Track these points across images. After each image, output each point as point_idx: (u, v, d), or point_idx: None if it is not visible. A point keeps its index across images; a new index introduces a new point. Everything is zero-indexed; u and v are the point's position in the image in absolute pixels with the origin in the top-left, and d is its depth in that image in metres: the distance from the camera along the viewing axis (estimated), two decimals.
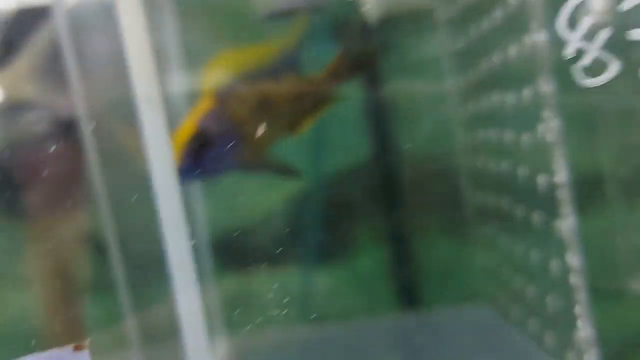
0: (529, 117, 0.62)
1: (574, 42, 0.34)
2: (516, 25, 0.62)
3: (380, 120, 1.02)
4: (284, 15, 0.96)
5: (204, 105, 0.75)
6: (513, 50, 0.65)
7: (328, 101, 0.84)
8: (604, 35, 0.34)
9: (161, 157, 0.51)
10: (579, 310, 0.57)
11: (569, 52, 0.34)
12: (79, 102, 0.55)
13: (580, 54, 0.34)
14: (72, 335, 1.03)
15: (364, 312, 1.04)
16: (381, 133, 1.03)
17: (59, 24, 0.53)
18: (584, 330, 0.57)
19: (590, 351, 0.57)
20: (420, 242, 1.03)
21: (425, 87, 1.00)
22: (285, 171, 0.83)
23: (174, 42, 0.95)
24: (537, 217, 0.65)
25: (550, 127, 0.57)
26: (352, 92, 0.94)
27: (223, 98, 0.75)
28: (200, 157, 0.72)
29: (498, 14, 0.69)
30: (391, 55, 0.89)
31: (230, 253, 1.04)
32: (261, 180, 0.93)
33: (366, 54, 0.86)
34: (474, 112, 0.85)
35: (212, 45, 1.01)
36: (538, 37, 0.56)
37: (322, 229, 1.04)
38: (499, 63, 0.71)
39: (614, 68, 0.34)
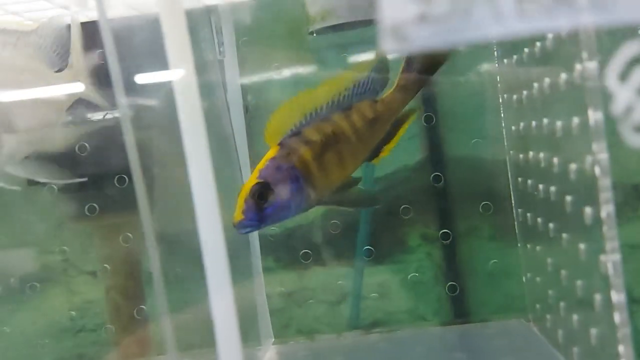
0: (577, 146, 0.58)
1: (623, 96, 0.31)
2: (567, 51, 0.59)
3: (433, 125, 1.00)
4: (333, 31, 0.95)
5: (269, 155, 0.73)
6: (563, 77, 0.61)
7: (403, 120, 0.80)
8: None
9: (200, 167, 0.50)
10: (621, 349, 0.53)
11: (618, 108, 0.31)
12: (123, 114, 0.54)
13: (630, 110, 0.31)
14: (134, 328, 1.04)
15: (411, 314, 1.02)
16: (433, 138, 1.00)
17: (106, 38, 0.52)
18: None
19: None
20: (469, 246, 1.01)
21: (475, 98, 0.97)
22: (363, 202, 0.80)
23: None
24: (582, 248, 0.61)
25: (598, 158, 0.53)
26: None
27: (287, 144, 0.72)
28: (261, 210, 0.70)
29: (549, 40, 0.66)
30: (450, 59, 0.84)
31: (285, 252, 1.04)
32: None
33: (428, 61, 0.79)
34: (524, 132, 0.82)
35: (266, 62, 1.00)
36: (589, 65, 0.52)
37: (373, 229, 1.02)
38: (548, 87, 0.68)
39: None
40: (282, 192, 0.70)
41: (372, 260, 1.02)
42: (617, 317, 0.54)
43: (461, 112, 0.99)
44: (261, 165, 0.72)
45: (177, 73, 0.50)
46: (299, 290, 1.05)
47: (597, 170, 0.53)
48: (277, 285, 1.04)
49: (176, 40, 0.51)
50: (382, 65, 0.78)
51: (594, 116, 0.53)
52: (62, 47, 0.84)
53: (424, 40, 0.30)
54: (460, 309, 1.00)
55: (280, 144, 0.72)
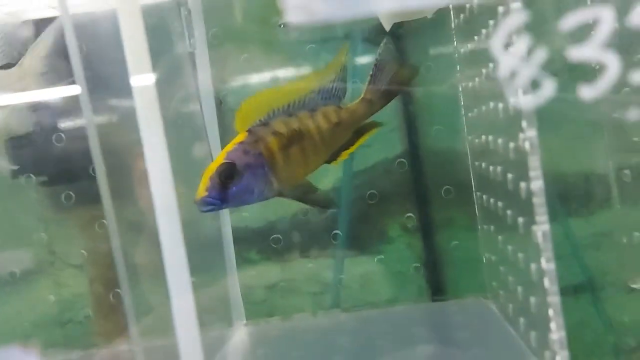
0: (513, 126, 0.62)
1: (507, 62, 0.34)
2: None
3: (410, 118, 1.03)
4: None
5: (237, 139, 0.76)
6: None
7: (366, 130, 0.83)
8: (539, 54, 0.35)
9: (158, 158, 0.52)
10: (551, 313, 0.57)
11: (503, 72, 0.34)
12: (86, 110, 0.57)
13: (514, 74, 0.34)
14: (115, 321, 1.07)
15: (391, 301, 1.05)
16: (411, 130, 1.04)
17: (67, 33, 0.55)
18: (557, 333, 0.57)
19: (561, 353, 0.57)
20: (444, 235, 1.04)
21: (441, 90, 1.00)
22: (321, 202, 0.82)
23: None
24: (520, 222, 0.65)
25: (528, 136, 0.57)
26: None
27: (255, 132, 0.75)
28: (225, 189, 0.72)
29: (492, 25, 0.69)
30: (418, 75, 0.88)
31: (267, 243, 1.06)
32: None
33: (397, 76, 0.83)
34: (478, 117, 0.85)
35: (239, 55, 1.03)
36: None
37: (353, 221, 1.05)
38: (492, 71, 0.71)
39: (549, 87, 0.34)
40: (248, 175, 0.73)
41: (353, 250, 1.05)
42: (546, 283, 0.57)
43: (426, 100, 1.03)
44: (229, 147, 0.75)
45: (135, 71, 0.52)
46: (281, 281, 1.08)
47: (527, 146, 0.57)
48: (260, 277, 1.07)
49: (133, 39, 0.52)
50: (343, 74, 0.81)
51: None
52: (8, 45, 0.85)
53: (329, 11, 0.33)
54: (439, 296, 1.03)
55: (249, 131, 0.75)
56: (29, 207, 1.07)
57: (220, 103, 1.02)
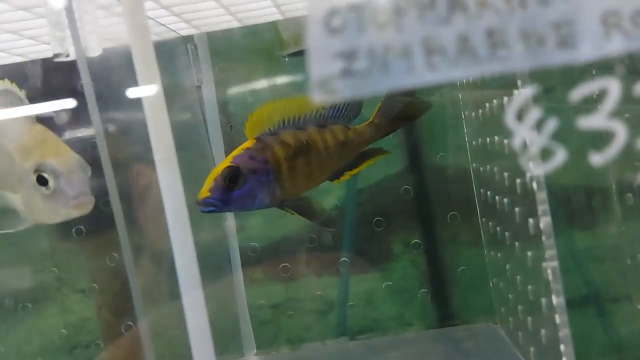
0: (519, 163, 0.64)
1: (521, 133, 0.36)
2: (507, 77, 0.64)
3: (412, 133, 1.05)
4: (304, 55, 0.99)
5: (244, 145, 0.77)
6: (505, 100, 0.66)
7: (371, 155, 0.84)
8: (551, 125, 0.37)
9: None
10: (563, 348, 0.58)
11: (517, 143, 0.36)
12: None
13: (526, 144, 0.36)
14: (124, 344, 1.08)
15: (397, 320, 1.06)
16: (412, 146, 1.05)
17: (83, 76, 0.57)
18: None
19: None
20: (450, 252, 1.05)
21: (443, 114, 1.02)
22: (321, 220, 0.82)
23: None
24: (529, 255, 0.67)
25: (535, 175, 0.59)
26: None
27: (263, 139, 0.77)
28: (227, 191, 0.73)
29: None
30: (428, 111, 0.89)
31: (272, 261, 1.08)
32: None
33: (409, 107, 0.85)
34: (482, 146, 0.87)
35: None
36: (523, 91, 0.57)
37: (356, 239, 1.06)
38: (496, 107, 0.73)
39: (560, 156, 0.36)
40: (252, 180, 0.74)
41: (358, 268, 1.06)
42: (557, 319, 0.59)
43: (430, 126, 1.04)
44: (236, 152, 0.76)
45: (148, 101, 0.53)
46: (286, 301, 1.09)
47: (534, 185, 0.59)
48: (265, 296, 1.08)
49: (146, 72, 0.54)
50: (356, 102, 0.83)
51: (530, 136, 0.58)
52: None
53: (349, 91, 0.35)
54: (444, 314, 1.05)
55: (257, 139, 0.77)
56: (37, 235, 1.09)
57: (230, 129, 1.04)
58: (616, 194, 0.91)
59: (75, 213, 0.67)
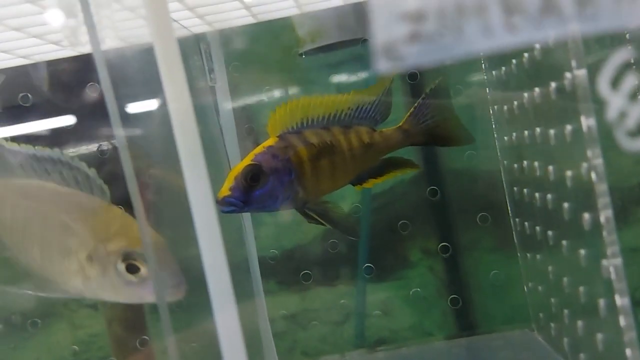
0: (572, 154, 0.59)
1: (616, 103, 0.31)
2: (555, 60, 0.59)
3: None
4: (322, 51, 0.95)
5: (266, 143, 0.74)
6: (553, 86, 0.62)
7: (399, 165, 0.80)
8: None
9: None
10: (629, 353, 0.54)
11: (611, 114, 0.31)
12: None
13: (623, 116, 0.31)
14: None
15: (416, 329, 1.02)
16: (429, 152, 1.01)
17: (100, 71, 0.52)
18: None
19: None
20: (471, 259, 1.01)
21: (470, 111, 0.97)
22: (343, 227, 0.77)
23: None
24: (583, 254, 0.62)
25: (594, 164, 0.54)
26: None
27: (286, 138, 0.73)
28: (249, 191, 0.70)
29: (537, 50, 0.66)
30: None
31: (286, 272, 1.04)
32: None
33: (447, 130, 0.81)
34: (517, 142, 0.82)
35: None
36: (578, 73, 0.53)
37: (373, 246, 1.02)
38: (539, 96, 0.68)
39: None
40: (274, 179, 0.71)
41: (374, 277, 1.02)
42: (622, 321, 0.54)
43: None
44: (258, 150, 0.73)
45: (174, 101, 0.50)
46: (302, 311, 1.05)
47: (593, 176, 0.54)
48: (280, 307, 1.04)
49: (171, 69, 0.51)
50: (387, 99, 0.79)
51: (587, 122, 0.54)
52: None
53: (417, 58, 0.31)
54: (464, 322, 1.00)
55: (280, 137, 0.73)
56: None
57: (251, 131, 1.00)
58: None
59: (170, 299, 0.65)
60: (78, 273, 0.68)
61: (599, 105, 0.43)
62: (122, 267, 0.65)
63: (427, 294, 1.03)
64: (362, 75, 0.99)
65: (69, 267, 0.68)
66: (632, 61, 0.31)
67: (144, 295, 0.66)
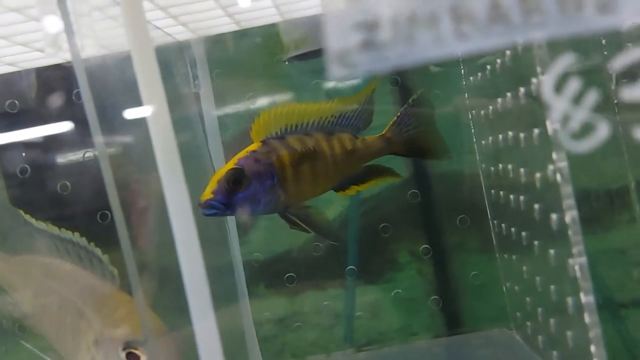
0: (539, 156, 0.61)
1: (559, 107, 0.33)
2: (523, 66, 0.61)
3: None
4: (305, 58, 0.97)
5: (250, 148, 0.75)
6: (521, 91, 0.63)
7: (381, 174, 0.81)
8: (591, 97, 0.33)
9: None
10: (593, 349, 0.55)
11: (555, 118, 0.33)
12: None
13: (566, 119, 0.33)
14: None
15: (404, 330, 1.03)
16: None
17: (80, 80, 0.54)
18: None
19: None
20: (456, 260, 1.02)
21: (451, 116, 0.99)
22: (325, 232, 0.78)
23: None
24: (552, 253, 0.63)
25: (559, 167, 0.55)
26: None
27: (269, 143, 0.75)
28: (231, 194, 0.71)
29: (508, 56, 0.68)
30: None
31: (274, 275, 1.04)
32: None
33: (427, 142, 0.82)
34: (493, 145, 0.84)
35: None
36: (543, 78, 0.54)
37: (361, 249, 1.03)
38: (510, 101, 0.70)
39: (603, 131, 0.32)
40: (256, 184, 0.72)
41: (363, 279, 1.03)
42: (587, 318, 0.55)
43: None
44: (241, 154, 0.74)
45: (151, 110, 0.51)
46: (291, 314, 1.06)
47: (558, 177, 0.55)
48: (267, 311, 1.05)
49: (148, 78, 0.52)
50: (370, 107, 0.80)
51: (552, 127, 0.55)
52: None
53: (370, 65, 0.32)
54: (451, 323, 1.01)
55: (263, 142, 0.75)
56: None
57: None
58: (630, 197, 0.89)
59: None
60: (87, 355, 0.71)
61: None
62: (123, 355, 0.68)
63: (415, 295, 1.04)
64: (348, 81, 1.00)
65: (79, 347, 0.71)
66: (574, 67, 0.33)
67: None
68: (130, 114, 0.80)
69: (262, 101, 1.01)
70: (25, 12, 0.65)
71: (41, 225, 0.76)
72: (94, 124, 0.57)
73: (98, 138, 0.58)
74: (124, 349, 0.67)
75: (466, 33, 0.33)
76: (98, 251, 0.73)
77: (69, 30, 0.55)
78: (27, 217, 0.77)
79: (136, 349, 0.67)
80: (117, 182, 0.58)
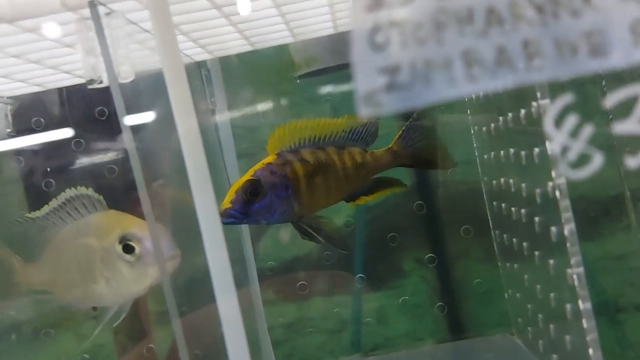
0: (539, 173, 0.65)
1: (558, 139, 0.37)
2: (525, 90, 0.65)
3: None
4: (316, 75, 1.01)
5: (266, 160, 0.79)
6: (522, 112, 0.68)
7: (388, 184, 0.85)
8: (587, 130, 0.38)
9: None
10: (591, 352, 0.59)
11: (554, 148, 0.37)
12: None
13: (565, 150, 0.37)
14: None
15: (410, 336, 1.07)
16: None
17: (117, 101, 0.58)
18: None
19: None
20: (460, 268, 1.06)
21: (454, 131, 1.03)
22: (336, 241, 0.82)
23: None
24: (552, 263, 0.67)
25: (557, 184, 0.60)
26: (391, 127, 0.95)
27: (284, 155, 0.79)
28: (248, 204, 0.75)
29: None
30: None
31: (284, 282, 1.08)
32: None
33: (432, 155, 0.86)
34: (495, 160, 0.88)
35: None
36: (542, 103, 0.59)
37: (367, 256, 1.07)
38: (511, 120, 0.74)
39: (597, 161, 0.37)
40: (271, 194, 0.77)
41: (370, 286, 1.07)
42: (585, 324, 0.59)
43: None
44: (257, 166, 0.79)
45: (182, 122, 0.55)
46: (300, 320, 1.09)
47: (557, 193, 0.60)
48: (278, 316, 1.08)
49: (179, 94, 0.55)
50: (376, 122, 0.85)
51: (551, 146, 0.59)
52: None
53: (394, 104, 0.36)
54: (455, 328, 1.05)
55: (278, 154, 0.79)
56: None
57: None
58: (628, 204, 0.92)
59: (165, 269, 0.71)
60: (100, 280, 0.75)
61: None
62: (120, 249, 0.73)
63: (420, 302, 1.08)
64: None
65: (93, 280, 0.74)
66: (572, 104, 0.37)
67: (146, 271, 0.73)
68: (156, 125, 0.85)
69: (275, 116, 1.05)
70: (61, 41, 0.70)
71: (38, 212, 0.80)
72: (127, 134, 0.60)
73: (131, 145, 0.61)
74: (119, 243, 0.73)
75: (475, 75, 0.37)
76: (82, 189, 0.77)
77: (106, 57, 0.59)
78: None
79: (130, 241, 0.73)
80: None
